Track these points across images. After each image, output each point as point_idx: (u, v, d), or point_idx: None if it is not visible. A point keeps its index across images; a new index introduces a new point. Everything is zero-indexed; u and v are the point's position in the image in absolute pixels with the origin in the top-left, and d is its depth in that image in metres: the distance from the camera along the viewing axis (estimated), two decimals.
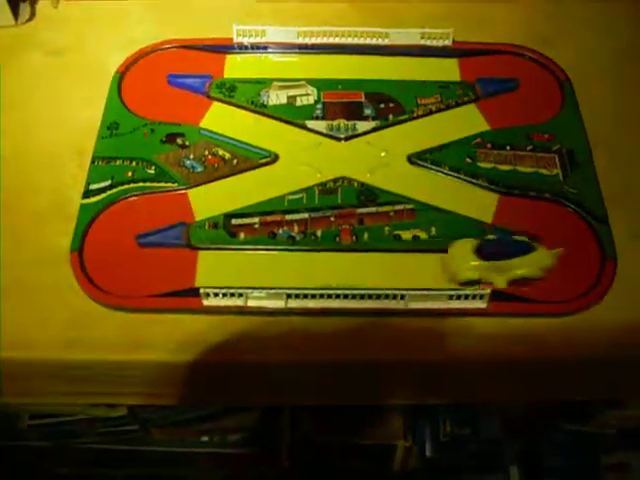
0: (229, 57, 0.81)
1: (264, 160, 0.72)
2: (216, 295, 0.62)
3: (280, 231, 0.67)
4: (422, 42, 0.81)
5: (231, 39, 0.81)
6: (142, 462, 1.12)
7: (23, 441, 1.05)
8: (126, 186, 0.70)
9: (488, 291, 0.63)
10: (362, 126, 0.75)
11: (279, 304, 0.63)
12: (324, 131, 0.74)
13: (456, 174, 0.71)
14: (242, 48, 0.81)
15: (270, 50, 0.81)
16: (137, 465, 1.13)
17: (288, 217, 0.68)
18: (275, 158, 0.72)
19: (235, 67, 0.80)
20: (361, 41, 0.81)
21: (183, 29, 0.83)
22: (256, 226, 0.67)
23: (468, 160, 0.72)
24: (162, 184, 0.70)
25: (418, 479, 1.15)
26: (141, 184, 0.70)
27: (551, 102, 0.78)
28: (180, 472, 1.16)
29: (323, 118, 0.75)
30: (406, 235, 0.67)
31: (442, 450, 1.12)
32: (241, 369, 0.64)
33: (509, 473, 1.16)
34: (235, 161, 0.72)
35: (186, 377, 0.65)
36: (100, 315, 0.63)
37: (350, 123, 0.75)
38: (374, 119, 0.75)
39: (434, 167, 0.72)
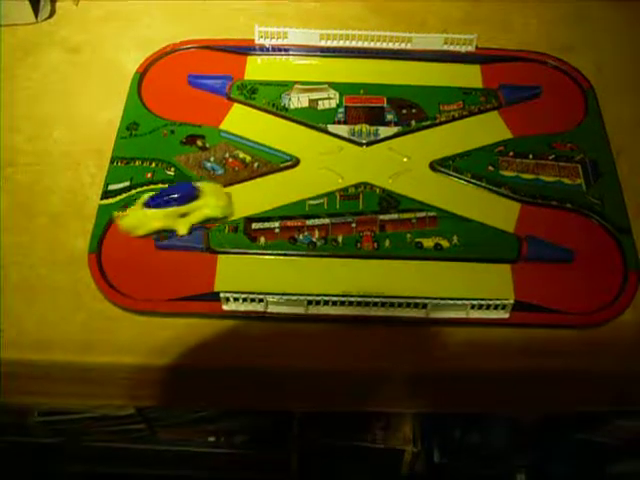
0: (250, 58, 0.80)
1: (285, 164, 0.71)
2: (236, 300, 0.62)
3: (301, 236, 0.66)
4: (445, 47, 0.81)
5: (252, 40, 0.81)
6: (148, 461, 1.12)
7: (31, 437, 1.04)
8: (145, 187, 0.69)
9: (511, 301, 0.62)
10: (384, 131, 0.74)
11: (299, 310, 0.62)
12: (346, 136, 0.74)
13: (478, 182, 0.71)
14: (263, 50, 0.81)
15: (292, 52, 0.81)
16: (143, 464, 1.13)
17: (309, 222, 0.67)
18: (296, 162, 0.72)
19: (256, 69, 0.79)
20: (384, 45, 0.81)
21: (204, 29, 0.82)
22: (276, 231, 0.67)
23: (490, 168, 0.71)
24: None
25: None
26: (160, 185, 0.69)
27: (574, 110, 0.77)
28: (186, 472, 1.16)
29: (345, 122, 0.75)
30: (428, 243, 0.66)
31: (450, 456, 1.11)
32: (260, 375, 0.63)
33: None
34: (256, 164, 0.71)
35: (205, 381, 0.65)
36: (118, 318, 0.63)
37: (372, 128, 0.74)
38: (396, 124, 0.75)
39: (456, 174, 0.71)
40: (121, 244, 0.66)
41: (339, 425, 1.09)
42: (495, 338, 0.63)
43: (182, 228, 0.66)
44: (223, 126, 0.74)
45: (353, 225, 0.67)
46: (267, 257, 0.66)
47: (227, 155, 0.72)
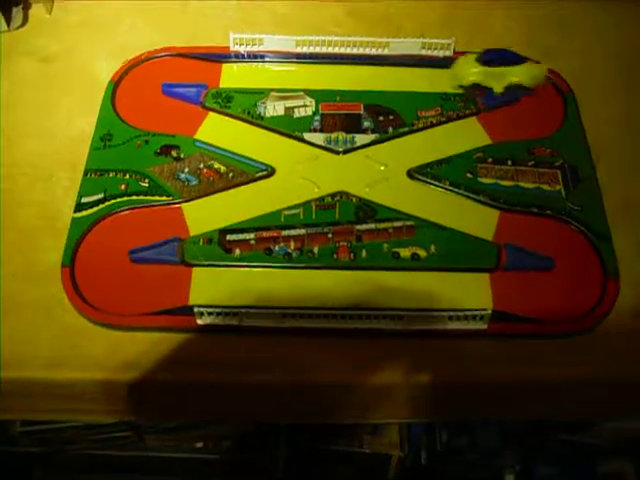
0: (225, 66, 0.79)
1: (260, 174, 0.71)
2: (210, 314, 0.61)
3: (276, 247, 0.66)
4: (423, 52, 0.80)
5: (227, 47, 0.79)
6: (136, 468, 1.12)
7: (15, 447, 1.04)
8: (119, 199, 0.68)
9: (488, 312, 0.61)
10: (361, 139, 0.73)
11: (275, 323, 0.61)
12: (322, 144, 0.73)
13: (457, 189, 0.70)
14: (239, 57, 0.80)
15: (268, 59, 0.80)
16: (131, 471, 1.13)
17: (284, 233, 0.66)
18: (272, 172, 0.71)
19: (231, 76, 0.78)
20: (361, 51, 0.80)
21: (179, 37, 0.81)
22: (252, 242, 0.66)
23: (469, 175, 0.71)
24: (156, 197, 0.69)
25: None
26: (134, 197, 0.69)
27: (553, 115, 0.76)
28: (173, 478, 1.15)
29: (321, 130, 0.74)
30: (405, 253, 0.66)
31: (438, 459, 1.11)
32: (236, 389, 0.63)
33: None
34: (231, 174, 0.70)
35: (181, 396, 0.64)
36: (91, 333, 0.62)
37: (349, 136, 0.73)
38: (373, 132, 0.74)
39: (434, 182, 0.70)
40: (94, 258, 0.65)
41: (325, 430, 1.09)
42: (474, 349, 0.62)
43: (498, 86, 0.75)
44: (198, 136, 0.73)
45: (329, 235, 0.66)
46: (242, 269, 0.65)
47: (202, 165, 0.71)
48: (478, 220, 0.68)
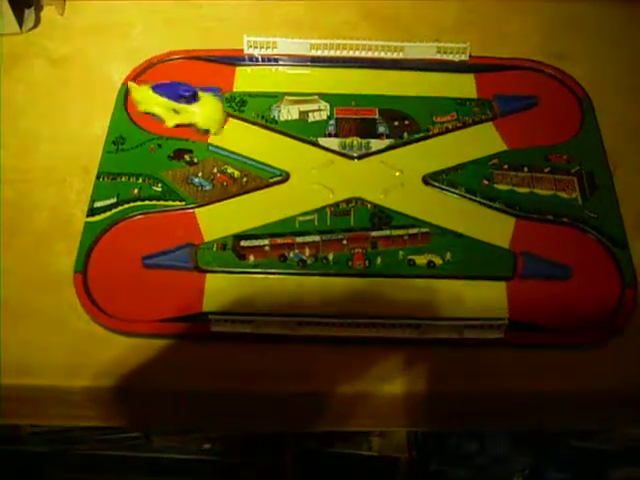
0: (239, 69, 0.78)
1: (275, 179, 0.70)
2: (225, 321, 0.60)
3: (291, 254, 0.65)
4: (438, 56, 0.79)
5: (241, 50, 0.79)
6: (143, 469, 1.11)
7: (25, 446, 1.03)
8: (132, 204, 0.68)
9: (505, 321, 0.61)
10: (376, 144, 0.73)
11: (289, 331, 0.61)
12: (337, 149, 0.72)
13: (472, 196, 0.69)
14: (253, 60, 0.79)
15: (282, 62, 0.79)
16: (138, 472, 1.12)
17: (299, 239, 0.66)
18: (286, 177, 0.70)
19: (245, 80, 0.78)
20: (375, 55, 0.79)
21: (192, 39, 0.81)
22: (266, 248, 0.65)
23: (485, 182, 0.70)
24: (169, 202, 0.68)
25: None
26: (147, 202, 0.68)
27: (570, 121, 0.76)
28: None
29: (336, 135, 0.73)
30: (420, 260, 0.65)
31: (447, 463, 1.10)
32: (251, 397, 0.62)
33: None
34: (245, 179, 0.70)
35: (194, 405, 0.64)
36: (104, 339, 0.62)
37: (364, 141, 0.73)
38: (388, 137, 0.73)
39: (450, 189, 0.70)
40: (107, 263, 0.65)
41: (335, 433, 1.08)
42: (490, 358, 0.61)
43: (170, 122, 0.72)
44: (211, 140, 0.73)
45: (344, 242, 0.66)
46: (257, 276, 0.64)
47: (215, 170, 0.70)
48: (494, 227, 0.67)
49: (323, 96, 0.76)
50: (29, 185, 0.70)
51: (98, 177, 0.70)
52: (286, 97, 0.75)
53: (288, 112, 0.74)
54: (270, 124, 0.74)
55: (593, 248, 0.67)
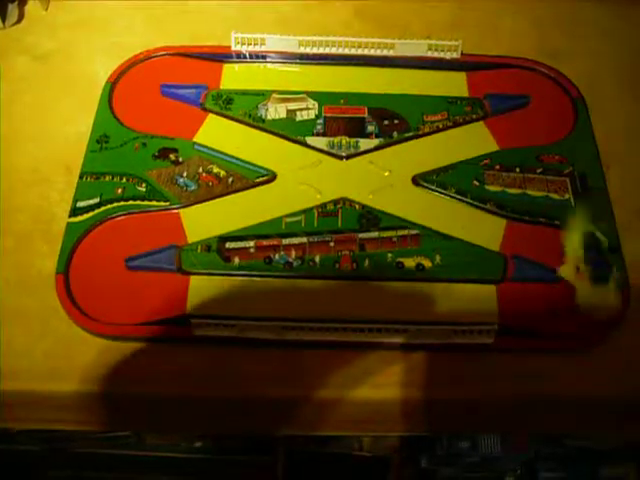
0: (226, 66, 0.77)
1: (261, 179, 0.69)
2: (208, 325, 0.59)
3: (276, 256, 0.64)
4: (429, 54, 0.78)
5: (229, 47, 0.77)
6: (135, 467, 1.11)
7: (16, 445, 1.03)
8: (115, 204, 0.67)
9: (494, 326, 0.60)
10: (365, 144, 0.71)
11: (274, 336, 0.60)
12: (325, 148, 0.71)
13: (463, 197, 0.68)
14: (240, 57, 0.78)
15: (269, 60, 0.78)
16: (130, 470, 1.12)
17: (285, 241, 0.65)
18: (273, 177, 0.69)
19: (232, 77, 0.76)
20: (365, 52, 0.77)
21: (179, 35, 0.79)
22: (251, 250, 0.64)
23: (476, 182, 0.69)
24: (153, 203, 0.67)
25: None
26: (131, 202, 0.67)
27: (563, 120, 0.74)
28: (172, 478, 1.14)
29: (324, 134, 0.72)
30: (409, 263, 0.64)
31: (438, 463, 1.10)
32: (234, 402, 0.61)
33: None
34: (230, 179, 0.68)
35: (176, 409, 0.62)
36: (86, 342, 0.60)
37: (352, 140, 0.71)
38: (377, 136, 0.72)
39: (440, 189, 0.68)
40: (90, 264, 0.64)
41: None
42: (479, 364, 0.60)
43: None
44: (197, 138, 0.71)
45: (331, 244, 0.65)
46: (241, 278, 0.63)
47: (201, 170, 0.69)
48: (484, 230, 0.66)
49: (311, 94, 0.74)
50: (11, 184, 0.69)
51: (81, 177, 0.68)
52: (274, 95, 0.74)
53: (275, 110, 0.73)
54: (257, 123, 0.73)
55: None
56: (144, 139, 0.71)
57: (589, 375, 0.60)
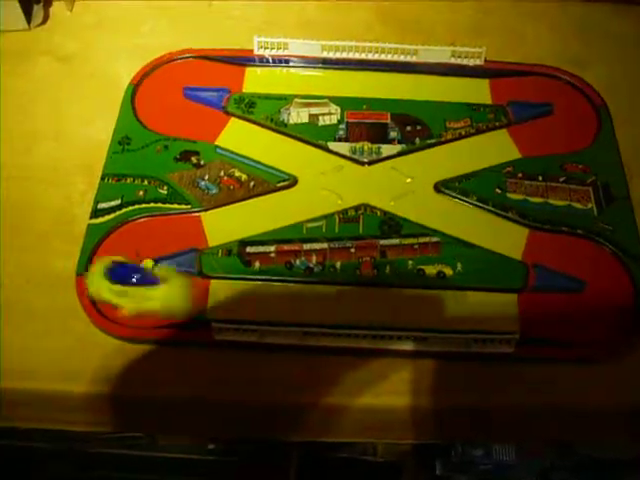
0: (249, 70, 0.77)
1: (282, 183, 0.69)
2: (228, 330, 0.59)
3: (297, 261, 0.64)
4: (452, 60, 0.77)
5: (251, 51, 0.77)
6: (146, 468, 1.11)
7: (27, 442, 1.03)
8: (137, 206, 0.67)
9: (515, 335, 0.59)
10: (387, 150, 0.71)
11: (295, 341, 0.59)
12: (347, 154, 0.71)
13: (485, 205, 0.67)
14: (263, 61, 0.78)
15: (292, 64, 0.77)
16: (142, 471, 1.12)
17: (306, 246, 0.64)
18: (294, 182, 0.69)
19: (255, 81, 0.76)
20: (388, 57, 0.77)
21: (202, 38, 0.79)
22: (272, 255, 0.64)
23: (498, 190, 0.68)
24: (175, 206, 0.67)
25: None
26: (152, 205, 0.67)
27: (586, 129, 0.74)
28: (184, 479, 1.14)
29: (346, 140, 0.72)
30: (430, 270, 0.63)
31: (452, 470, 1.09)
32: (253, 407, 0.61)
33: None
34: (252, 183, 0.68)
35: (195, 413, 0.62)
36: (105, 344, 0.60)
37: (374, 146, 0.71)
38: (400, 142, 0.72)
39: (462, 197, 0.68)
40: None
41: None
42: (499, 373, 0.60)
43: (126, 311, 0.57)
44: (219, 142, 0.71)
45: (352, 250, 0.64)
46: (262, 283, 0.63)
47: (222, 173, 0.69)
48: (506, 238, 0.66)
49: (334, 99, 0.74)
50: (33, 185, 0.69)
51: (103, 178, 0.68)
52: (296, 99, 0.74)
53: (298, 115, 0.73)
54: (279, 127, 0.72)
55: (607, 261, 0.65)
56: (166, 142, 0.71)
57: (613, 385, 0.60)
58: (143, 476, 1.11)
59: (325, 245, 0.64)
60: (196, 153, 0.70)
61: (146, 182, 0.68)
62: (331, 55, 0.77)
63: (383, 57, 0.77)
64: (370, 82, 0.76)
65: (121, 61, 0.78)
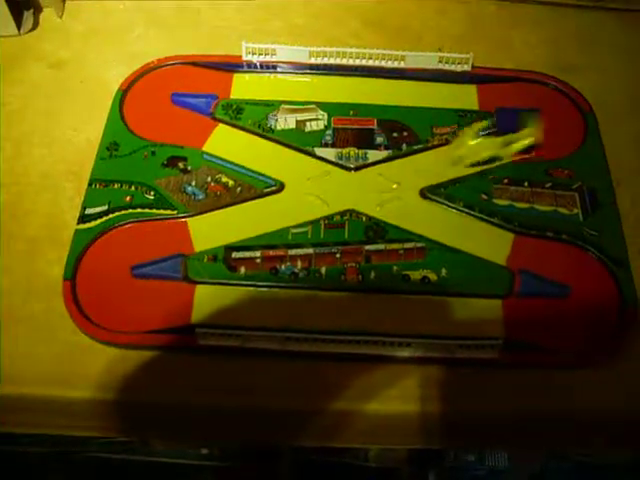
0: (237, 76, 0.77)
1: (269, 189, 0.69)
2: (212, 335, 0.59)
3: (282, 267, 0.64)
4: (440, 66, 0.78)
5: (240, 57, 0.78)
6: (141, 473, 1.11)
7: (21, 447, 1.03)
8: (124, 212, 0.67)
9: (499, 341, 0.59)
10: (373, 155, 0.71)
11: (278, 346, 0.60)
12: (333, 159, 0.71)
13: (470, 211, 0.68)
14: (251, 67, 0.78)
15: (280, 70, 0.78)
16: (136, 476, 1.12)
17: (291, 252, 0.65)
18: (281, 187, 0.69)
19: (243, 87, 0.76)
20: (376, 63, 0.77)
21: (190, 45, 0.79)
22: (257, 260, 0.64)
23: (484, 196, 0.69)
24: (161, 211, 0.67)
25: None
26: (139, 210, 0.67)
27: (573, 135, 0.74)
28: None
29: (333, 145, 0.72)
30: (415, 276, 0.64)
31: (446, 475, 1.09)
32: (237, 413, 0.61)
33: None
34: (238, 189, 0.69)
35: (180, 418, 0.62)
36: (91, 350, 0.61)
37: (361, 152, 0.71)
38: (386, 148, 0.72)
39: (448, 203, 0.68)
40: (96, 272, 0.64)
41: None
42: (484, 379, 0.60)
43: (506, 156, 0.70)
44: (206, 148, 0.71)
45: (338, 256, 0.65)
46: (247, 288, 0.63)
47: (209, 179, 0.69)
48: (491, 243, 0.66)
49: (321, 105, 0.74)
50: (22, 190, 0.69)
51: (90, 184, 0.69)
52: (283, 105, 0.74)
53: (285, 121, 0.73)
54: (266, 133, 0.73)
55: (593, 267, 0.65)
56: (153, 147, 0.71)
57: (598, 391, 0.60)
58: None
59: (311, 250, 0.65)
60: (183, 159, 0.70)
61: (133, 188, 0.68)
62: (319, 61, 0.77)
63: (370, 63, 0.78)
64: (357, 88, 0.76)
65: (110, 67, 0.78)
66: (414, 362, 0.60)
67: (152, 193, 0.68)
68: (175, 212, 0.67)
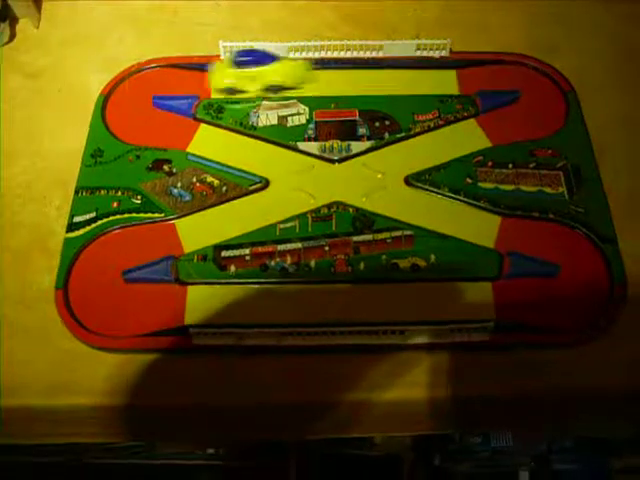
0: None
1: (254, 186, 0.69)
2: (206, 334, 0.60)
3: (272, 263, 0.64)
4: (418, 53, 0.78)
5: (218, 56, 0.77)
6: (148, 475, 1.11)
7: (28, 456, 1.03)
8: (112, 218, 0.67)
9: (491, 323, 0.60)
10: (357, 146, 0.71)
11: (273, 342, 0.60)
12: (317, 153, 0.71)
13: (456, 196, 0.68)
14: None
15: None
16: (143, 478, 1.12)
17: (280, 247, 0.65)
18: (266, 184, 0.69)
19: None
20: (354, 54, 0.78)
21: (168, 47, 0.79)
22: (247, 258, 0.65)
23: (469, 180, 0.69)
24: (149, 215, 0.68)
25: None
26: (127, 215, 0.67)
27: (555, 114, 0.74)
28: None
29: (315, 139, 0.72)
30: (404, 264, 0.64)
31: (451, 459, 1.10)
32: (237, 410, 0.62)
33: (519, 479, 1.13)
34: (224, 188, 0.69)
35: (180, 419, 0.63)
36: (87, 356, 0.61)
37: (344, 144, 0.71)
38: (369, 139, 0.72)
39: (433, 189, 0.69)
40: (88, 279, 0.64)
41: None
42: (477, 361, 0.60)
43: (253, 89, 0.73)
44: (190, 149, 0.72)
45: (326, 248, 0.65)
46: (238, 286, 0.63)
47: (195, 180, 0.69)
48: (479, 227, 0.67)
49: (302, 99, 0.74)
50: (8, 202, 0.69)
51: (77, 192, 0.69)
52: (264, 102, 0.74)
53: (267, 117, 0.73)
54: (249, 130, 0.73)
55: (581, 244, 0.66)
56: (138, 151, 0.71)
57: (589, 368, 0.60)
58: None
59: (299, 245, 0.65)
60: (168, 161, 0.71)
61: (120, 193, 0.69)
62: (297, 55, 0.77)
63: (349, 55, 0.78)
64: (337, 80, 0.76)
65: (90, 74, 0.78)
66: (408, 349, 0.60)
67: (139, 197, 0.68)
68: (163, 215, 0.67)
